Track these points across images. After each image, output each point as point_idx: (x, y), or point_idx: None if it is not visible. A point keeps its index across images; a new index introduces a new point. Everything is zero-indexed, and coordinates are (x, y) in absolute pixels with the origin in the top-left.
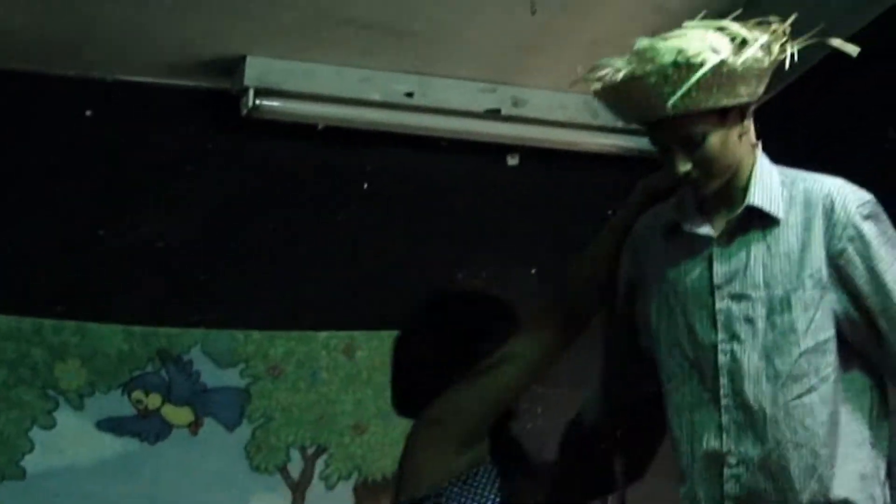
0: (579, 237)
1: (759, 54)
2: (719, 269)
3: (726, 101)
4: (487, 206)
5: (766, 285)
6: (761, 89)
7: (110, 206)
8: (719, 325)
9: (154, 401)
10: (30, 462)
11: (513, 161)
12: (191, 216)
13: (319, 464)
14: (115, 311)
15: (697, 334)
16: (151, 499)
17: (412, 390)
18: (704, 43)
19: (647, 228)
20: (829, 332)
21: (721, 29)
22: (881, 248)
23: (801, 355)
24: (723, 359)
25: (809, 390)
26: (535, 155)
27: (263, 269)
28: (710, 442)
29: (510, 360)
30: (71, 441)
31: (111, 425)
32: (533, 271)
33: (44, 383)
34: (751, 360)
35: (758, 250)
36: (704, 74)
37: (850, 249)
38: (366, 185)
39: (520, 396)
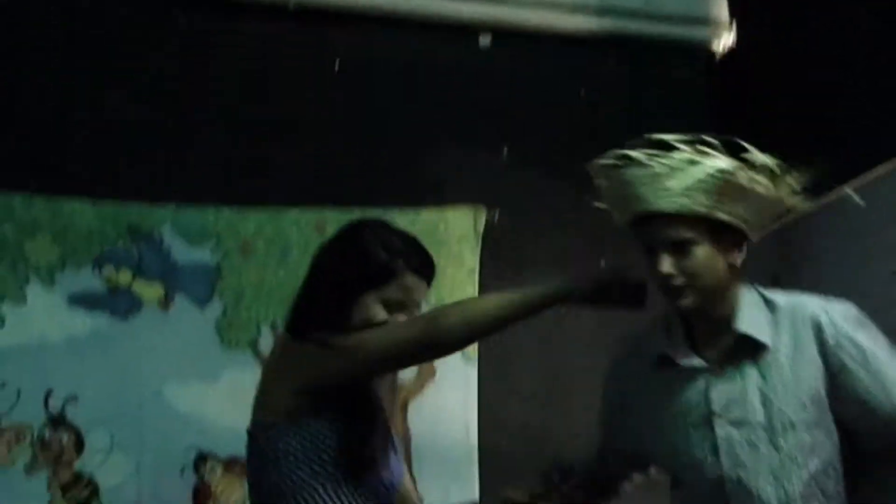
0: (550, 120)
1: (766, 182)
2: (716, 398)
3: (722, 215)
4: (459, 87)
5: (765, 410)
6: (761, 225)
7: (80, 81)
8: (722, 453)
9: (125, 277)
10: (1, 337)
11: (484, 42)
12: (160, 92)
13: None
14: (85, 186)
15: (702, 464)
16: (122, 374)
17: (298, 309)
18: (724, 155)
19: (633, 360)
20: (833, 450)
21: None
22: (878, 352)
23: (810, 477)
24: (730, 487)
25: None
26: (508, 36)
27: (234, 146)
28: None
29: (364, 344)
30: (42, 317)
31: (82, 300)
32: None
33: (14, 259)
34: (758, 485)
35: (752, 377)
36: (712, 176)
37: (850, 363)
38: (337, 65)
39: (365, 379)
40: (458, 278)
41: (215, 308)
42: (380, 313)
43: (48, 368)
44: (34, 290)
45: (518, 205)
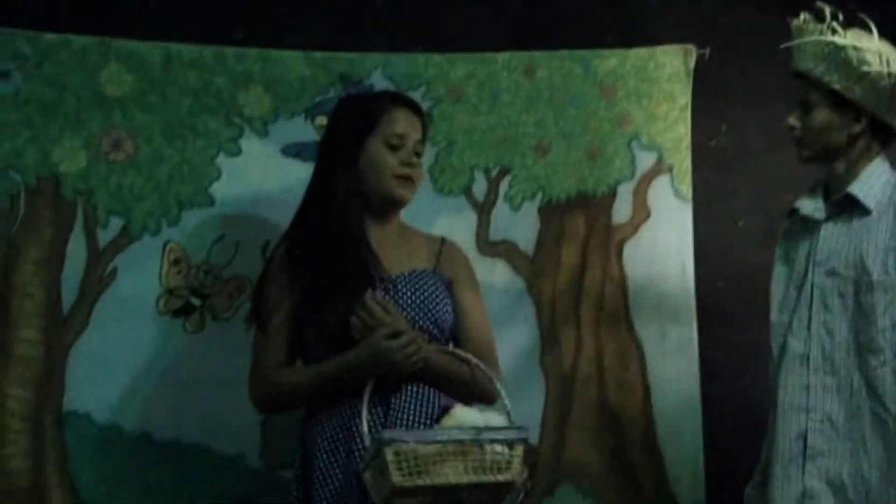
0: None
1: (880, 66)
2: (820, 247)
3: (837, 85)
4: None
5: (855, 267)
6: (884, 110)
7: None
8: (815, 297)
9: None
10: (217, 189)
11: None
12: None
13: (503, 185)
14: (295, 37)
15: (800, 306)
16: None
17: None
18: (853, 33)
19: (785, 220)
20: None
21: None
22: None
23: (878, 332)
24: (815, 326)
25: (884, 363)
26: None
27: None
28: (798, 396)
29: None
30: (257, 167)
31: (296, 150)
32: None
33: (228, 111)
34: (840, 329)
35: (854, 235)
36: (832, 49)
37: None
38: None
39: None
40: (671, 115)
41: (428, 154)
42: (386, 154)
43: (266, 220)
44: (249, 142)
45: (729, 42)
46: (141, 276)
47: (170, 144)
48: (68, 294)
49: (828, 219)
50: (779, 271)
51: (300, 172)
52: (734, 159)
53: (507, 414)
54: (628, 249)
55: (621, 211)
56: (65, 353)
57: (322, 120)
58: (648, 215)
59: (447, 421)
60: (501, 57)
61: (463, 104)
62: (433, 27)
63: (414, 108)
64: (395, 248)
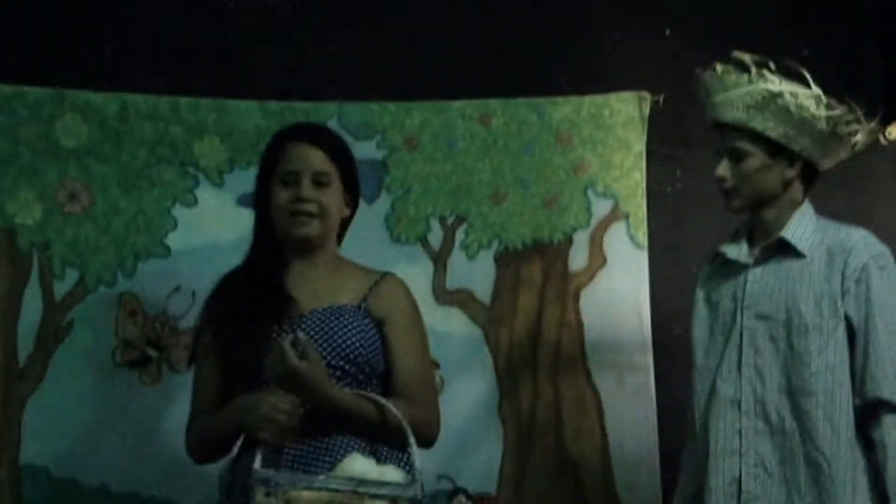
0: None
1: (816, 110)
2: (749, 291)
3: (773, 133)
4: None
5: (788, 310)
6: (818, 153)
7: None
8: (744, 340)
9: None
10: (173, 239)
11: None
12: None
13: (459, 233)
14: (250, 87)
15: (729, 349)
16: None
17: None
18: (785, 80)
19: (704, 265)
20: (840, 357)
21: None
22: (881, 295)
23: (810, 375)
24: (746, 370)
25: (817, 406)
26: None
27: (398, 39)
28: (729, 441)
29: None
30: (213, 217)
31: (251, 201)
32: None
33: (183, 161)
34: (772, 373)
35: (784, 279)
36: (764, 97)
37: (853, 290)
38: None
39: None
40: (626, 162)
41: (384, 204)
42: (280, 193)
43: (221, 269)
44: (204, 192)
45: (684, 87)
46: (97, 328)
47: (126, 195)
48: (24, 346)
49: (755, 263)
50: (701, 314)
51: None
52: (689, 205)
53: (411, 466)
54: (585, 297)
55: (578, 258)
56: (21, 406)
57: None
58: (605, 262)
59: (338, 470)
60: (457, 105)
61: (419, 152)
62: (388, 75)
63: (309, 137)
64: (319, 284)
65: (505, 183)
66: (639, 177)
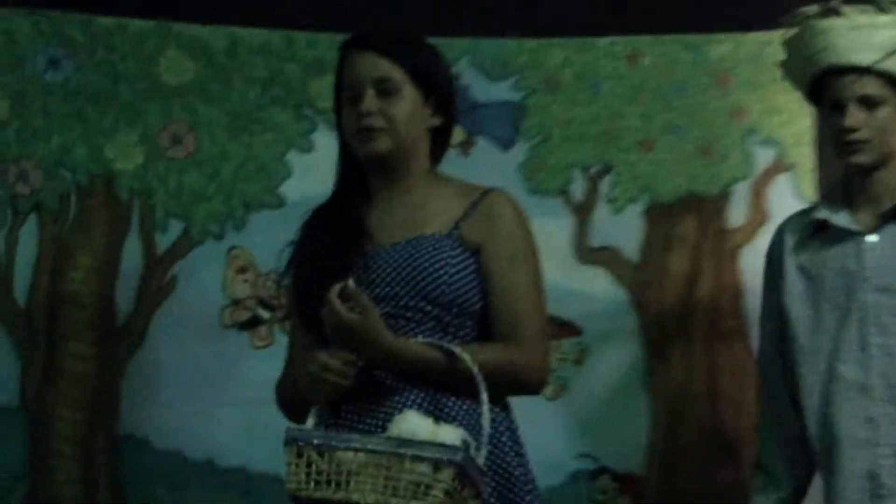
0: None
1: None
2: (868, 262)
3: None
4: None
5: None
6: None
7: None
8: (870, 318)
9: None
10: (287, 188)
11: None
12: None
13: (604, 184)
14: (374, 21)
15: (847, 327)
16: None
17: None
18: None
19: (789, 231)
20: None
21: None
22: None
23: None
24: (875, 351)
25: None
26: None
27: None
28: (859, 432)
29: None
30: (331, 164)
31: None
32: None
33: (299, 102)
34: None
35: None
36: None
37: None
38: None
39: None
40: (792, 107)
41: (520, 150)
42: (347, 112)
43: None
44: (322, 136)
45: None
46: (203, 285)
47: (235, 139)
48: (123, 304)
49: (871, 231)
50: (796, 289)
51: None
52: None
53: (473, 428)
54: (744, 256)
55: (736, 214)
56: (119, 371)
57: None
58: (767, 219)
59: (391, 427)
60: (602, 42)
61: (559, 94)
62: (526, 10)
63: (368, 46)
64: (406, 212)
65: (655, 129)
66: (806, 123)
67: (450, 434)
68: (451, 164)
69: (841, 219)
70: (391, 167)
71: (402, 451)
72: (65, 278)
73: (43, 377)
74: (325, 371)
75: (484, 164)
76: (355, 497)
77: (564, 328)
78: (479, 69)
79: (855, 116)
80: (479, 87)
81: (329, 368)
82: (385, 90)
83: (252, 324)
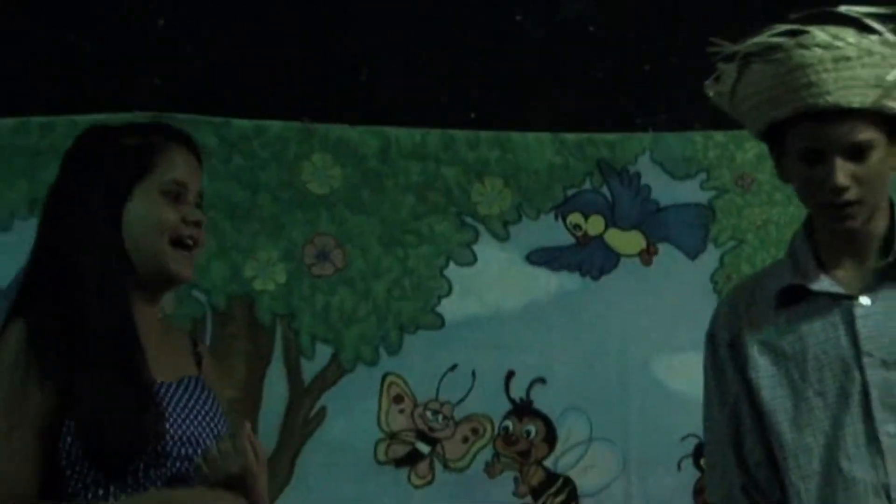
0: None
1: None
2: (866, 333)
3: None
4: None
5: None
6: None
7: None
8: (874, 400)
9: (596, 225)
10: (447, 307)
11: None
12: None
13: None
14: (541, 116)
15: (845, 413)
16: (599, 347)
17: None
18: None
19: (741, 304)
20: None
21: None
22: None
23: None
24: (888, 442)
25: None
26: None
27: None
28: None
29: None
30: (495, 279)
31: (544, 258)
32: None
33: (459, 209)
34: None
35: None
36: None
37: None
38: None
39: None
40: None
41: (710, 258)
42: (162, 207)
43: (507, 344)
44: (485, 248)
45: None
46: (355, 417)
47: (388, 253)
48: (266, 440)
49: (862, 293)
50: (766, 373)
51: (550, 285)
52: None
53: None
54: None
55: None
56: None
57: (576, 218)
58: None
59: None
60: None
61: (754, 194)
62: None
63: (193, 147)
64: (160, 343)
65: None
66: None
67: None
68: (630, 276)
69: (820, 283)
70: (167, 291)
71: None
72: None
73: None
74: None
75: (668, 275)
76: None
77: None
78: (662, 167)
79: (844, 172)
80: (662, 188)
81: None
82: (200, 207)
83: (410, 459)
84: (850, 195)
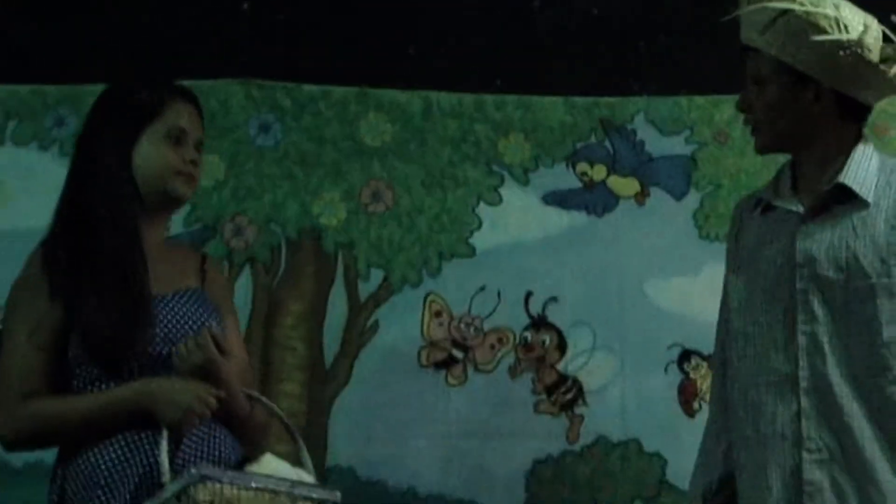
0: None
1: (837, 36)
2: (802, 247)
3: (789, 59)
4: None
5: (848, 269)
6: (848, 84)
7: None
8: (799, 304)
9: (599, 172)
10: (478, 239)
11: None
12: None
13: None
14: (555, 83)
15: (779, 310)
16: (601, 272)
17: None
18: (817, 4)
19: (747, 204)
20: None
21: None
22: None
23: (882, 346)
24: (803, 340)
25: (890, 383)
26: None
27: (704, 34)
28: (786, 426)
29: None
30: (517, 216)
31: (557, 198)
32: None
33: (488, 159)
34: (832, 344)
35: (844, 231)
36: (779, 17)
37: None
38: None
39: None
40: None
41: (692, 200)
42: (166, 149)
43: (526, 270)
44: (509, 190)
45: None
46: (402, 329)
47: (430, 194)
48: (330, 347)
49: (808, 215)
50: (736, 268)
51: (562, 221)
52: None
53: (312, 470)
54: None
55: None
56: (327, 407)
57: (583, 166)
58: None
59: (258, 468)
60: None
61: (729, 147)
62: (696, 69)
63: (197, 104)
64: (163, 262)
65: None
66: None
67: (307, 477)
68: (628, 215)
69: (781, 200)
70: (169, 214)
71: (294, 491)
72: (277, 325)
73: None
74: (200, 402)
75: (658, 213)
76: None
77: None
78: (653, 125)
79: (744, 97)
80: (653, 142)
81: (204, 400)
82: (199, 151)
83: (447, 363)
84: (749, 118)
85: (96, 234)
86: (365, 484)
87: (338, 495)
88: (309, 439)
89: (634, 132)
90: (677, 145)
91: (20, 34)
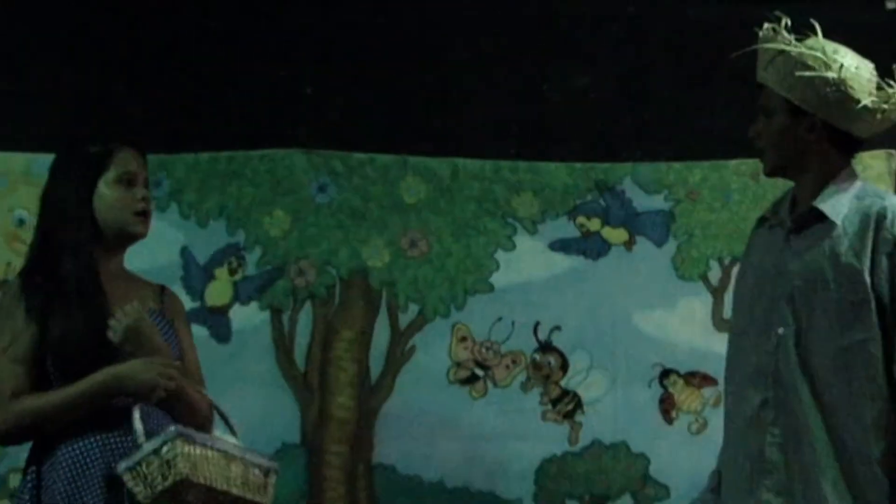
0: None
1: (824, 74)
2: (782, 260)
3: (787, 93)
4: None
5: (816, 282)
6: (840, 118)
7: (551, 63)
8: (775, 309)
9: (595, 224)
10: (496, 278)
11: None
12: (613, 68)
13: (734, 271)
14: (559, 151)
15: (759, 314)
16: (597, 305)
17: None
18: (813, 44)
19: (758, 224)
20: (869, 333)
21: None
22: None
23: (837, 351)
24: (774, 340)
25: (845, 382)
26: None
27: (682, 109)
28: (755, 413)
29: None
30: (528, 260)
31: (560, 245)
32: None
33: (504, 213)
34: (799, 345)
35: (816, 249)
36: (778, 55)
37: (885, 263)
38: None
39: None
40: None
41: (671, 247)
42: (120, 191)
43: (535, 303)
44: (521, 239)
45: None
46: (435, 352)
47: (457, 242)
48: (375, 367)
49: (793, 231)
50: (743, 278)
51: (564, 264)
52: None
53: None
54: None
55: None
56: (373, 415)
57: (582, 219)
58: None
59: (218, 441)
60: (732, 163)
61: (699, 204)
62: (674, 139)
63: (139, 148)
64: (122, 286)
65: None
66: None
67: (250, 451)
68: (618, 259)
69: (777, 216)
70: (124, 248)
71: (246, 457)
72: (332, 348)
73: (317, 421)
74: (163, 375)
75: (643, 258)
76: (230, 488)
77: (706, 380)
78: (639, 186)
79: (753, 126)
80: (639, 199)
81: (165, 373)
82: (147, 188)
83: (471, 380)
84: (757, 144)
85: (61, 264)
86: (404, 478)
87: (277, 465)
88: (359, 441)
89: (623, 191)
90: (658, 202)
91: (132, 107)
